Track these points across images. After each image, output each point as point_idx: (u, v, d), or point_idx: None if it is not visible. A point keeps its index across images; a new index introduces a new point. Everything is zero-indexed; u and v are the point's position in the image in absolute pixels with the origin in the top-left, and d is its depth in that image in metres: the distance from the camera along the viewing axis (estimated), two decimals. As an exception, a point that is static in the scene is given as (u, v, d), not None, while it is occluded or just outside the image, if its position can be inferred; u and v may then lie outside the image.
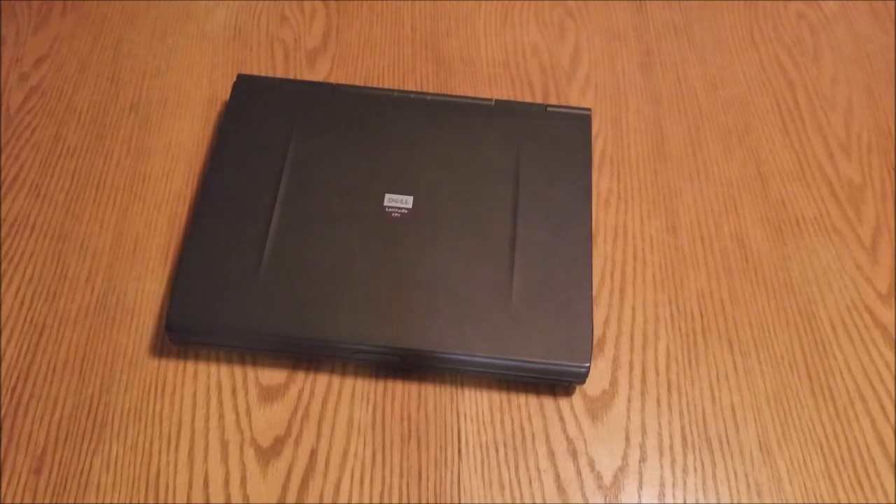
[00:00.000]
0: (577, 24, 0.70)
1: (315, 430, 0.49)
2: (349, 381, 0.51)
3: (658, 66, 0.67)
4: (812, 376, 0.52)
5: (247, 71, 0.65)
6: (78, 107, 0.62)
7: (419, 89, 0.64)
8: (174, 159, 0.60)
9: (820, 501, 0.48)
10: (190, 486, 0.47)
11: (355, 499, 0.47)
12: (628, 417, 0.50)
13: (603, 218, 0.58)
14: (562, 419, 0.50)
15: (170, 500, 0.46)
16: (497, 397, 0.51)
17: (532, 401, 0.50)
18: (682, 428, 0.50)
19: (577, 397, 0.51)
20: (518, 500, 0.47)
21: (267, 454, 0.48)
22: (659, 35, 0.69)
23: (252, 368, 0.51)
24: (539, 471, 0.48)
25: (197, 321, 0.49)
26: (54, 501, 0.46)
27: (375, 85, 0.64)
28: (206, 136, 0.61)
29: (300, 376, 0.51)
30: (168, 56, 0.65)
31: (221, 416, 0.49)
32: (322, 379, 0.51)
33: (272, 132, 0.56)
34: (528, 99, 0.64)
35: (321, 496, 0.47)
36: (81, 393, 0.49)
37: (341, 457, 0.48)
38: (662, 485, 0.48)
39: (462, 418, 0.50)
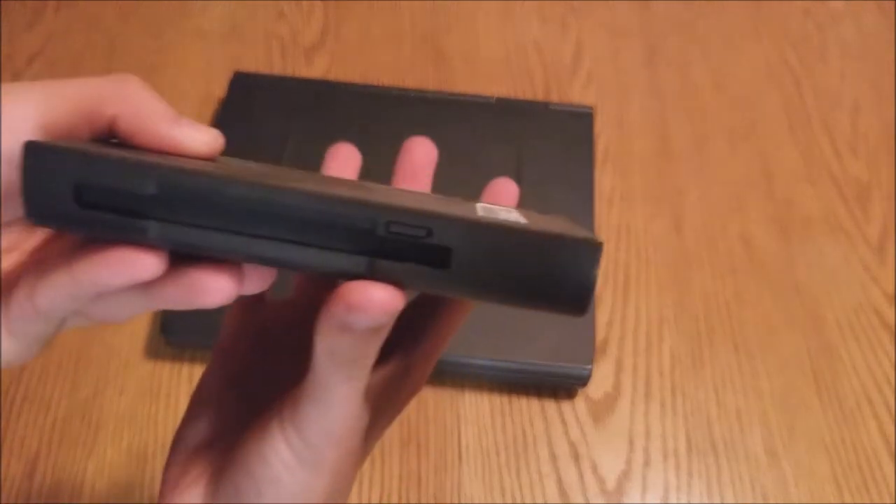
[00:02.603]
0: (580, 20, 0.69)
1: (313, 434, 0.48)
2: (348, 384, 0.50)
3: (662, 64, 0.66)
4: (818, 379, 0.51)
5: (243, 68, 0.64)
6: (72, 104, 0.61)
7: (419, 87, 0.63)
8: (170, 158, 0.59)
9: (827, 506, 0.47)
10: (185, 491, 0.46)
11: (354, 503, 0.46)
12: (632, 421, 0.49)
13: (606, 217, 0.58)
14: (564, 422, 0.49)
15: (165, 506, 0.46)
16: (498, 400, 0.50)
17: (534, 404, 0.50)
18: (687, 431, 0.49)
19: (579, 400, 0.50)
20: (520, 506, 0.47)
21: (264, 458, 0.47)
22: (663, 32, 0.69)
23: (249, 371, 0.50)
24: (541, 475, 0.47)
25: (193, 322, 0.48)
26: (51, 502, 0.45)
27: (374, 83, 0.64)
28: (203, 134, 0.60)
29: (298, 379, 0.50)
30: (163, 53, 0.65)
31: (217, 420, 0.48)
32: (320, 381, 0.50)
33: (269, 130, 0.56)
34: (529, 97, 0.63)
35: (319, 501, 0.46)
36: (75, 396, 0.49)
37: (339, 461, 0.47)
38: (667, 489, 0.47)
39: (462, 422, 0.49)
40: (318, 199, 0.19)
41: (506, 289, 0.19)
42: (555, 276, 0.19)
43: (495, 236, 0.19)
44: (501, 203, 0.27)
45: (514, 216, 0.22)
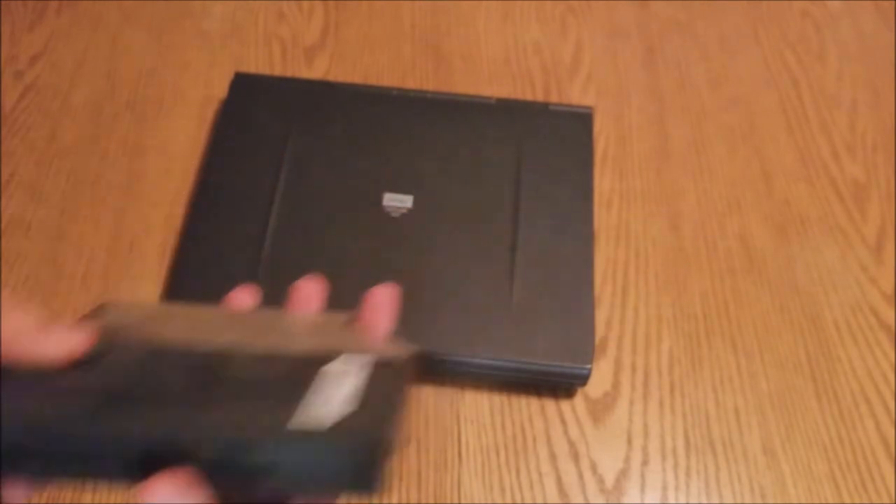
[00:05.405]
0: (579, 20, 0.69)
1: (313, 433, 0.48)
2: (348, 383, 0.50)
3: (661, 64, 0.67)
4: (816, 378, 0.52)
5: (244, 68, 0.64)
6: (73, 105, 0.61)
7: (419, 87, 0.64)
8: (171, 158, 0.59)
9: (825, 505, 0.47)
10: (187, 490, 0.46)
11: (354, 502, 0.46)
12: (630, 420, 0.50)
13: (605, 218, 0.58)
14: (563, 421, 0.49)
15: None
16: (498, 399, 0.50)
17: (533, 403, 0.50)
18: (685, 430, 0.49)
19: (578, 399, 0.50)
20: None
21: (265, 457, 0.47)
22: (662, 32, 0.69)
23: (250, 370, 0.50)
24: (540, 474, 0.48)
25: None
26: (50, 502, 0.45)
27: (374, 83, 0.64)
28: (203, 134, 0.60)
29: (298, 378, 0.50)
30: (165, 54, 0.65)
31: (219, 419, 0.48)
32: (320, 381, 0.50)
33: (270, 131, 0.56)
34: (529, 97, 0.63)
35: (320, 500, 0.46)
36: (77, 395, 0.49)
37: (340, 460, 0.47)
38: (665, 488, 0.48)
39: (462, 421, 0.49)
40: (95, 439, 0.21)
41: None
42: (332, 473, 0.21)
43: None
44: (379, 318, 0.28)
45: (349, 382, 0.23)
